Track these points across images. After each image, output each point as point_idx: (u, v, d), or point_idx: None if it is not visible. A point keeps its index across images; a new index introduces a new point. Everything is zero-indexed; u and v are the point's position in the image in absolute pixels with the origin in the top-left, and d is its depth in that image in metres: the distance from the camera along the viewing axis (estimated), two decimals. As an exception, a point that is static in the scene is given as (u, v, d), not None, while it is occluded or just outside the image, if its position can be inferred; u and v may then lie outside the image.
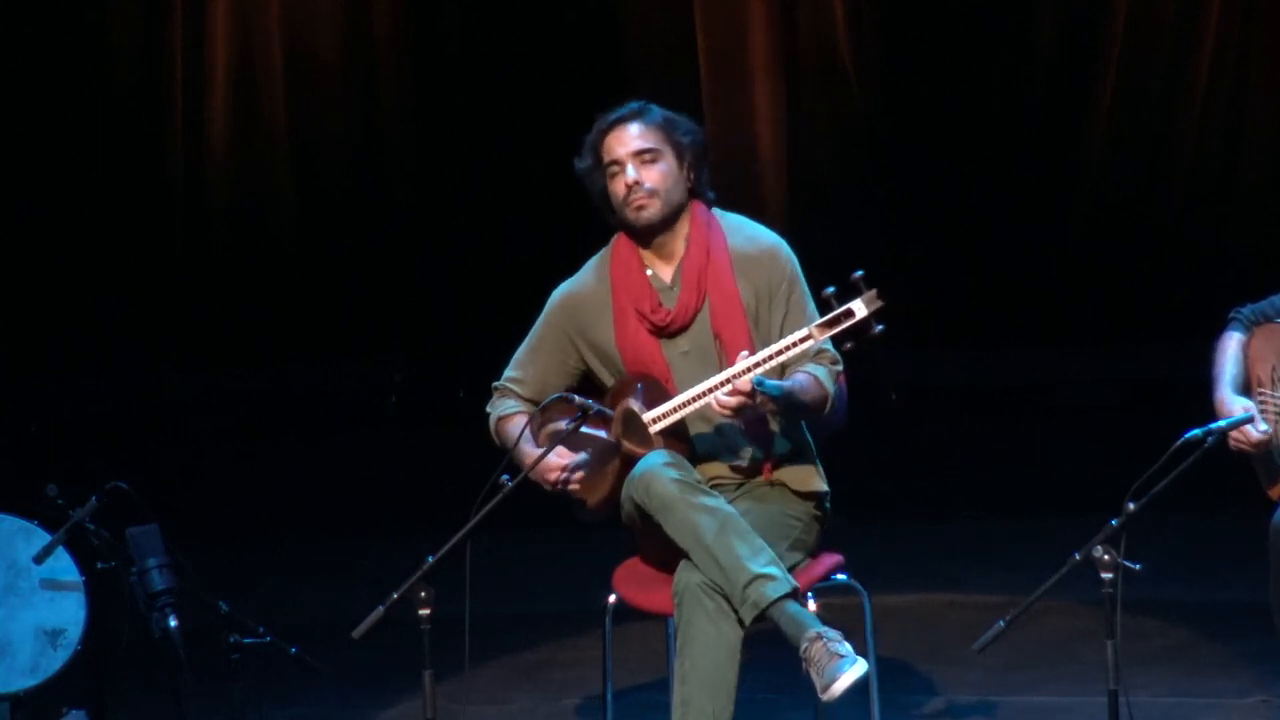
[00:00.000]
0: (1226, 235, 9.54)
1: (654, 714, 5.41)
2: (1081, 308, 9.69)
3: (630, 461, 4.97)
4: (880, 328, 4.74)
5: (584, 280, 5.21)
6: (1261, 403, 4.98)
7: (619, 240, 5.18)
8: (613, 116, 5.13)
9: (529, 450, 5.04)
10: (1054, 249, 9.72)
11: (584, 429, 4.96)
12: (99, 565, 5.60)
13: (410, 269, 10.14)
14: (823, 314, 4.77)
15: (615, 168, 5.08)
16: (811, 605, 4.87)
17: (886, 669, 5.18)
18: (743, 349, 4.89)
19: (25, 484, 5.85)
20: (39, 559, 5.68)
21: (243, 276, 10.16)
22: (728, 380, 4.80)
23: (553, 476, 5.01)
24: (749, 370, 4.78)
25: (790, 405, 4.92)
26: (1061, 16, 9.62)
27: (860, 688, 4.70)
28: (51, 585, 5.74)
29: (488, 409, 5.26)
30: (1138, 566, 4.48)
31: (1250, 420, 4.90)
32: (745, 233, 5.16)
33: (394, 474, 9.53)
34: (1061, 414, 9.72)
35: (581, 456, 5.01)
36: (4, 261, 9.90)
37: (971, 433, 9.60)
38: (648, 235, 5.11)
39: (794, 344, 4.81)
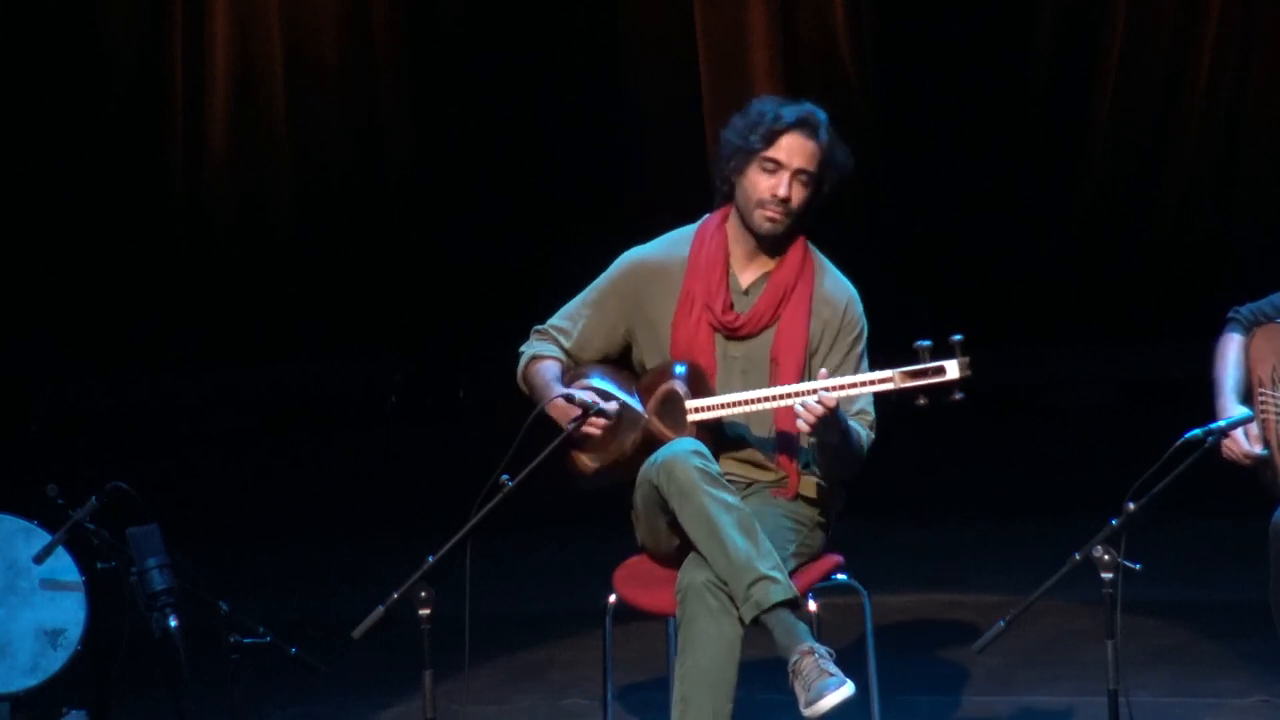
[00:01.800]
0: (1227, 235, 9.55)
1: (654, 714, 5.41)
2: (1081, 307, 9.69)
3: (652, 438, 4.96)
4: (960, 395, 4.74)
5: (660, 251, 5.17)
6: (1263, 402, 4.98)
7: (708, 225, 5.14)
8: (796, 117, 5.04)
9: (555, 390, 4.99)
10: (1054, 249, 9.73)
11: (621, 394, 4.93)
12: (99, 565, 5.60)
13: (410, 269, 10.14)
14: (912, 364, 4.77)
15: (772, 166, 5.03)
16: (812, 605, 4.88)
17: (886, 669, 5.17)
18: (793, 379, 4.91)
19: (25, 484, 5.86)
20: (39, 559, 5.68)
21: (243, 276, 10.16)
22: (800, 394, 4.77)
23: (576, 413, 4.91)
24: (832, 389, 4.77)
25: (840, 444, 4.91)
26: (1061, 17, 9.63)
27: (850, 706, 4.69)
28: (51, 585, 5.74)
29: (522, 349, 5.20)
30: (1138, 566, 4.48)
31: (1250, 420, 4.90)
32: (832, 278, 5.15)
33: (394, 474, 9.53)
34: (1061, 414, 9.72)
35: (610, 405, 4.95)
36: (4, 261, 9.90)
37: (971, 433, 9.60)
38: (758, 240, 5.09)
39: (874, 381, 4.81)
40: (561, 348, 5.17)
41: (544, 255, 9.54)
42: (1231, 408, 4.95)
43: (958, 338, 4.76)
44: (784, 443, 5.04)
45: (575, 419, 4.91)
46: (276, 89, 10.11)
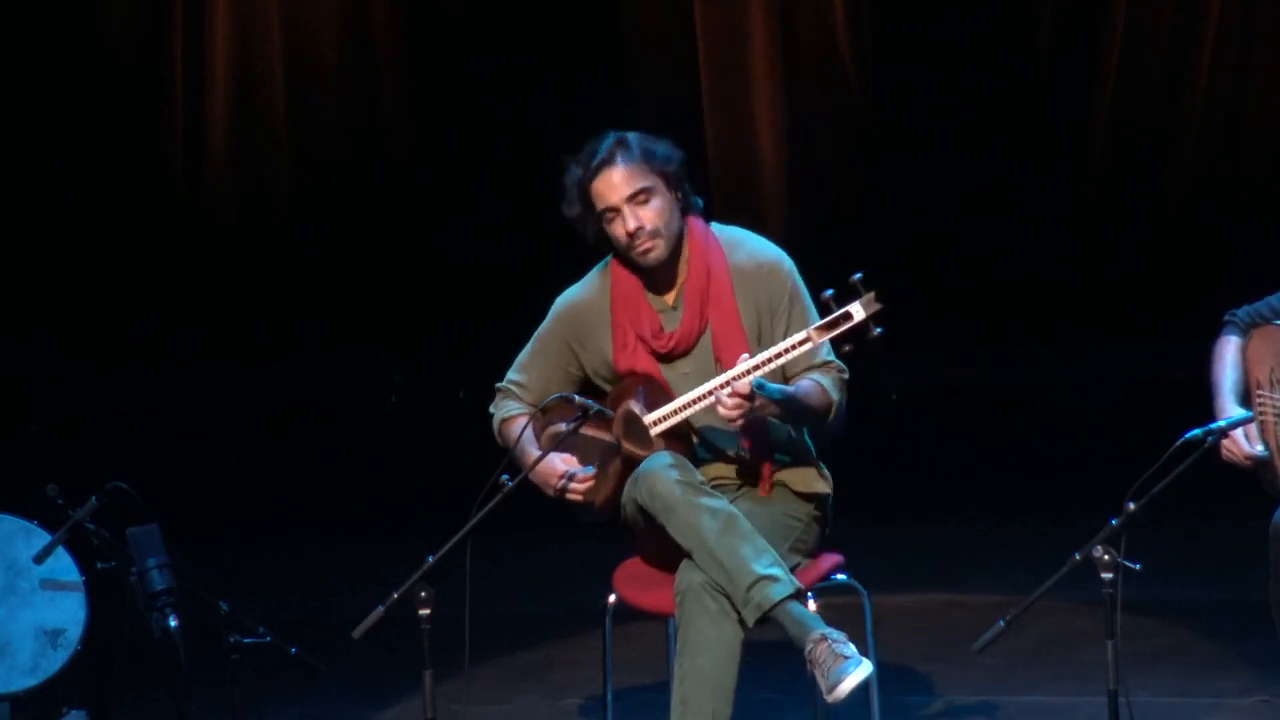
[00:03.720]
0: (1227, 235, 9.55)
1: (654, 714, 5.41)
2: (1081, 307, 9.69)
3: (631, 463, 4.97)
4: (879, 330, 4.73)
5: (586, 291, 5.19)
6: (1260, 404, 4.98)
7: (619, 257, 5.14)
8: (595, 161, 5.02)
9: (531, 453, 5.04)
10: (1054, 249, 9.73)
11: (585, 431, 4.96)
12: (99, 565, 5.60)
13: (410, 269, 10.15)
14: (822, 316, 4.77)
15: (611, 214, 5.01)
16: (812, 605, 4.88)
17: (886, 669, 5.18)
18: None
19: (25, 484, 5.86)
20: (39, 559, 5.68)
21: (243, 276, 10.16)
22: (727, 383, 4.79)
23: (554, 482, 5.01)
24: (748, 373, 4.78)
25: (792, 410, 4.91)
26: (1061, 17, 9.63)
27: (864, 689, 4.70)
28: (51, 585, 5.74)
29: (491, 409, 5.26)
30: (1138, 566, 4.48)
31: (1250, 420, 4.90)
32: (745, 249, 5.12)
33: (394, 474, 9.53)
34: (1061, 414, 9.73)
35: (588, 469, 5.00)
36: (4, 261, 9.90)
37: (970, 433, 9.61)
38: (656, 269, 5.08)
39: (793, 347, 4.81)
40: (523, 401, 5.20)
41: (544, 255, 9.52)
42: (1230, 409, 4.95)
43: (858, 276, 4.74)
44: (748, 430, 5.02)
45: (574, 419, 4.93)
46: (276, 89, 10.11)
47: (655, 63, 9.87)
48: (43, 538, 5.69)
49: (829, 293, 4.75)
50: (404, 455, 9.73)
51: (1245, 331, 5.08)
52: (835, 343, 4.80)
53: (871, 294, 4.73)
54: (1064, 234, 9.72)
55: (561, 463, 5.01)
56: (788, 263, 5.10)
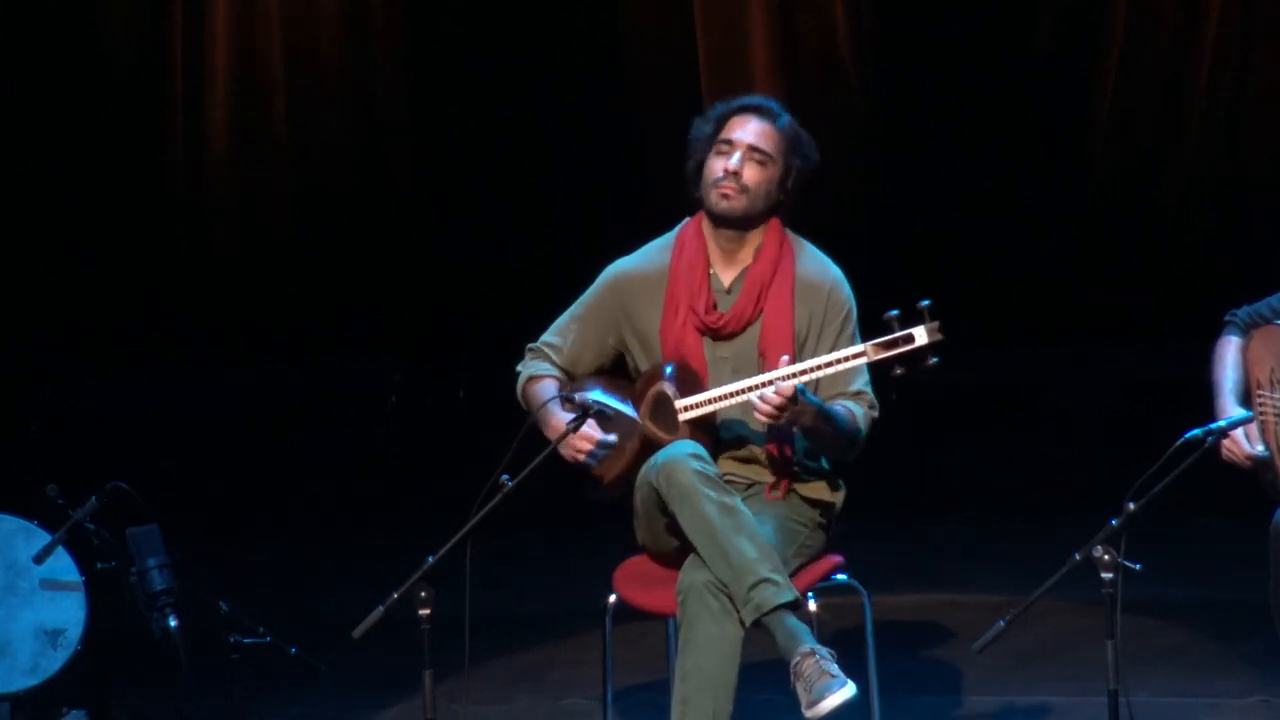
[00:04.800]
0: (1226, 235, 9.55)
1: (654, 714, 5.41)
2: (1081, 307, 9.69)
3: (650, 444, 4.97)
4: (935, 360, 4.74)
5: (642, 261, 5.20)
6: (1261, 404, 4.98)
7: (686, 230, 5.16)
8: (750, 101, 5.14)
9: (551, 409, 5.01)
10: (1054, 249, 9.73)
11: (613, 402, 4.93)
12: (99, 565, 5.61)
13: (410, 269, 10.14)
14: (882, 335, 4.77)
15: (725, 147, 5.08)
16: (812, 605, 4.88)
17: (886, 669, 5.17)
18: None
19: (25, 484, 5.86)
20: (39, 559, 5.69)
21: (243, 276, 10.16)
22: (770, 381, 4.78)
23: (584, 446, 4.96)
24: (796, 375, 4.77)
25: (823, 428, 4.90)
26: (1061, 17, 9.63)
27: (851, 707, 4.69)
28: (51, 585, 5.75)
29: (518, 368, 5.23)
30: (1138, 566, 4.48)
31: (1250, 420, 4.90)
32: (814, 260, 5.16)
33: (394, 474, 9.53)
34: (1061, 414, 9.72)
35: (610, 437, 4.97)
36: (4, 261, 9.90)
37: (971, 433, 9.60)
38: (719, 224, 5.10)
39: (846, 358, 4.81)
40: (554, 364, 5.19)
41: (544, 255, 9.54)
42: (1231, 409, 4.95)
43: (925, 303, 4.76)
44: (775, 434, 5.03)
45: (574, 419, 4.91)
46: (276, 89, 10.11)
47: (655, 63, 9.87)
48: (43, 538, 5.69)
49: (894, 313, 4.77)
50: (404, 455, 9.72)
51: (1245, 331, 5.08)
52: (888, 364, 4.79)
53: (936, 323, 4.74)
54: (1064, 234, 9.72)
55: (589, 429, 4.95)
56: (848, 287, 5.15)
